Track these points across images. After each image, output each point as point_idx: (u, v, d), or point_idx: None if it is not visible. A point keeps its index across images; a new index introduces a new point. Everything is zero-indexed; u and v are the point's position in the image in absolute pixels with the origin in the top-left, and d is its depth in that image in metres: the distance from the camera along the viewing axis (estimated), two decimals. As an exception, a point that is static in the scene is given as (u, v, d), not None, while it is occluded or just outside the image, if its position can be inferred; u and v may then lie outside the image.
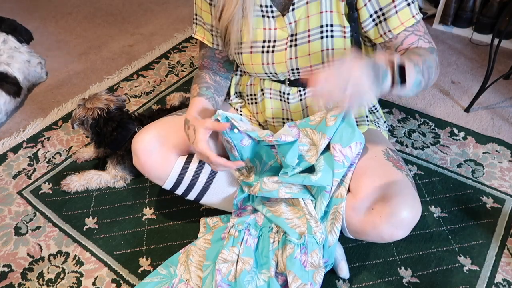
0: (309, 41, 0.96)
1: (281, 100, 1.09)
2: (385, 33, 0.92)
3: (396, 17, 0.90)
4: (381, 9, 0.90)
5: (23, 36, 1.88)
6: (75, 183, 1.37)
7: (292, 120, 1.11)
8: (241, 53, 1.02)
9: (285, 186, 1.01)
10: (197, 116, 0.99)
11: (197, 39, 1.11)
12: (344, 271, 1.09)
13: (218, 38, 1.07)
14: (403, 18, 0.90)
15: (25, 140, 1.59)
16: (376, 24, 0.93)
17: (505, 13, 1.72)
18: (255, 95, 1.14)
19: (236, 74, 1.18)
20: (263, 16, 0.98)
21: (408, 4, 0.90)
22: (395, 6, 0.89)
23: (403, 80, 0.76)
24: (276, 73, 1.02)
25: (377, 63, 0.75)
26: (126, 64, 2.00)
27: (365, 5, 0.91)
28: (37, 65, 1.86)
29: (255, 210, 1.11)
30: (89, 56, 2.08)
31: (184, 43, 2.13)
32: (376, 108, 1.15)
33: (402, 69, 0.76)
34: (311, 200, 1.03)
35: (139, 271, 1.15)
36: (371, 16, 0.92)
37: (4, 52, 1.74)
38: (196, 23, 1.08)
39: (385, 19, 0.91)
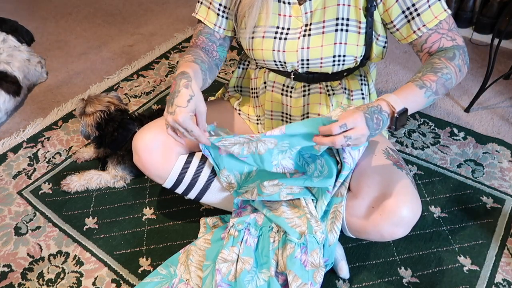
0: (323, 32, 0.96)
1: (282, 94, 1.09)
2: (419, 29, 0.92)
3: (429, 11, 0.90)
4: (413, 5, 0.90)
5: (24, 37, 1.88)
6: (75, 183, 1.37)
7: (290, 115, 1.11)
8: (253, 38, 1.01)
9: (285, 187, 1.01)
10: (197, 83, 0.90)
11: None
12: (344, 271, 1.09)
13: (223, 19, 1.05)
14: (436, 11, 0.91)
15: (25, 140, 1.59)
16: (408, 21, 0.92)
17: (505, 13, 1.71)
18: (256, 88, 1.13)
19: (239, 67, 1.17)
20: (279, 1, 0.97)
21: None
22: (428, 1, 0.90)
23: (398, 125, 0.85)
24: (285, 62, 1.01)
25: (382, 111, 0.82)
26: (126, 64, 2.00)
27: (397, 1, 0.91)
28: (37, 64, 1.86)
29: (255, 210, 1.11)
30: (89, 56, 2.08)
31: (184, 43, 2.12)
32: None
33: (403, 113, 0.84)
34: (312, 199, 1.03)
35: (139, 271, 1.15)
36: (403, 12, 0.92)
37: (3, 51, 1.74)
38: (202, 2, 1.05)
39: (418, 15, 0.91)
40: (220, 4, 1.03)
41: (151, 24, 2.32)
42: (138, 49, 2.12)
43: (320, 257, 0.99)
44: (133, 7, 2.49)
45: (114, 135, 1.32)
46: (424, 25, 0.91)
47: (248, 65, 1.16)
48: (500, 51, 1.58)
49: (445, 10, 0.91)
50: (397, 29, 0.95)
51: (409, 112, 0.86)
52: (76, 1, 2.55)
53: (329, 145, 0.83)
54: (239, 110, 1.20)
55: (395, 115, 0.83)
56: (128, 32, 2.26)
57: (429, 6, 0.90)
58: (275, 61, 1.02)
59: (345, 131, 0.79)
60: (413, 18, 0.91)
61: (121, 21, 2.36)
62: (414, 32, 0.93)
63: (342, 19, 0.95)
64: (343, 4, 0.94)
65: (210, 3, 1.04)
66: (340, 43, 0.96)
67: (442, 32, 0.93)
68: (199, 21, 1.07)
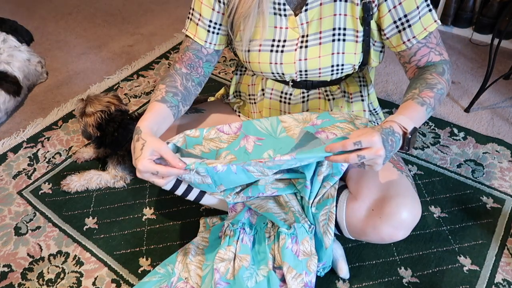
0: (320, 43, 0.95)
1: (280, 101, 1.09)
2: (409, 40, 0.92)
3: (419, 23, 0.90)
4: (405, 16, 0.90)
5: (24, 37, 1.88)
6: (75, 183, 1.37)
7: None
8: (249, 51, 1.00)
9: (271, 182, 1.02)
10: (150, 129, 0.90)
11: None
12: (344, 271, 1.09)
13: (214, 35, 1.01)
14: (426, 23, 0.91)
15: (25, 140, 1.59)
16: (399, 31, 0.92)
17: (505, 13, 1.71)
18: (254, 95, 1.13)
19: (237, 74, 1.17)
20: (275, 13, 0.97)
21: (430, 10, 0.90)
22: (419, 12, 0.90)
23: (411, 145, 0.82)
24: (283, 74, 1.01)
25: (395, 132, 0.80)
26: (126, 64, 2.00)
27: (389, 11, 0.90)
28: (37, 64, 1.86)
29: (247, 208, 1.12)
30: (89, 56, 2.08)
31: (184, 43, 2.12)
32: (376, 111, 1.15)
33: (413, 133, 0.82)
34: (296, 193, 1.04)
35: (139, 271, 1.15)
36: (394, 22, 0.91)
37: (4, 51, 1.74)
38: (191, 19, 1.02)
39: (409, 26, 0.90)
40: (210, 21, 0.99)
41: (151, 24, 2.32)
42: (138, 49, 2.12)
43: (311, 245, 1.00)
44: (133, 7, 2.49)
45: (115, 135, 1.32)
46: (414, 37, 0.91)
47: (245, 71, 1.16)
48: (500, 51, 1.58)
49: (435, 21, 0.91)
50: (387, 38, 0.94)
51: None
52: (76, 1, 2.55)
53: (342, 162, 0.79)
54: (239, 112, 1.21)
55: (407, 135, 0.81)
56: (128, 32, 2.26)
57: (420, 18, 0.90)
58: (273, 73, 1.01)
59: (360, 149, 0.76)
60: (404, 29, 0.91)
61: (121, 21, 2.36)
62: (404, 43, 0.93)
63: (339, 29, 0.94)
64: (340, 14, 0.93)
65: (199, 20, 1.00)
66: (338, 53, 0.95)
67: (431, 46, 0.93)
68: (187, 36, 1.03)
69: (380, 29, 0.95)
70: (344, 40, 0.94)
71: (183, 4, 2.48)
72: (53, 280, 1.15)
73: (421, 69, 0.94)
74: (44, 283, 1.14)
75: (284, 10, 0.96)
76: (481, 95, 1.62)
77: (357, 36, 0.95)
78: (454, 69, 1.87)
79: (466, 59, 1.93)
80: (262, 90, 1.10)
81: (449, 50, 1.99)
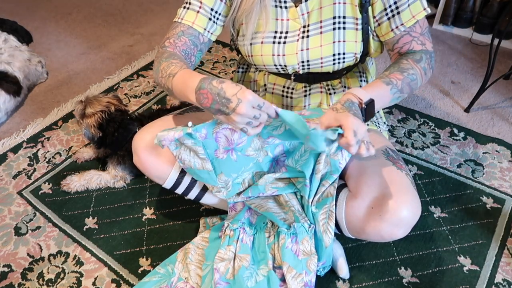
0: (321, 32, 0.97)
1: (282, 95, 1.09)
2: (397, 27, 0.94)
3: (408, 10, 0.92)
4: (395, 3, 0.92)
5: (24, 37, 1.88)
6: (75, 183, 1.37)
7: None
8: (251, 44, 1.01)
9: (271, 182, 1.03)
10: None
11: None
12: (344, 271, 1.09)
13: (214, 25, 1.00)
14: (415, 11, 0.92)
15: (25, 140, 1.59)
16: (388, 18, 0.94)
17: (505, 13, 1.72)
18: (256, 91, 1.13)
19: (239, 71, 1.17)
20: (276, 6, 0.98)
21: None
22: (408, 0, 0.91)
23: (368, 117, 0.85)
24: (285, 65, 1.01)
25: (354, 103, 0.83)
26: (126, 64, 2.00)
27: None
28: (37, 64, 1.86)
29: (247, 207, 1.12)
30: (89, 56, 2.08)
31: (184, 43, 2.12)
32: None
33: (370, 104, 0.85)
34: (296, 192, 1.05)
35: (139, 271, 1.15)
36: (385, 10, 0.93)
37: (5, 51, 1.74)
38: (188, 8, 0.99)
39: (398, 13, 0.92)
40: (212, 9, 0.99)
41: (151, 24, 2.32)
42: (138, 49, 2.12)
43: (311, 244, 1.01)
44: (133, 7, 2.49)
45: (115, 135, 1.32)
46: (402, 24, 0.93)
47: (247, 68, 1.16)
48: (500, 51, 1.58)
49: (424, 9, 0.93)
50: (379, 24, 0.97)
51: (376, 107, 0.87)
52: (76, 1, 2.55)
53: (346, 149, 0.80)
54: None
55: (363, 105, 0.84)
56: (128, 32, 2.26)
57: (408, 5, 0.92)
58: (275, 65, 1.02)
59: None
60: (393, 16, 0.93)
61: (121, 21, 2.36)
62: (392, 30, 0.95)
63: (339, 17, 0.96)
64: (339, 3, 0.95)
65: (200, 7, 0.98)
66: (339, 41, 0.96)
67: (414, 35, 0.95)
68: (177, 22, 1.00)
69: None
70: (344, 28, 0.96)
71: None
72: (53, 280, 1.15)
73: (401, 55, 0.97)
74: (44, 283, 1.14)
75: (285, 2, 0.97)
76: (481, 95, 1.62)
77: (356, 24, 0.96)
78: (454, 69, 1.87)
79: (466, 59, 1.93)
80: (264, 85, 1.11)
81: (449, 50, 1.99)
